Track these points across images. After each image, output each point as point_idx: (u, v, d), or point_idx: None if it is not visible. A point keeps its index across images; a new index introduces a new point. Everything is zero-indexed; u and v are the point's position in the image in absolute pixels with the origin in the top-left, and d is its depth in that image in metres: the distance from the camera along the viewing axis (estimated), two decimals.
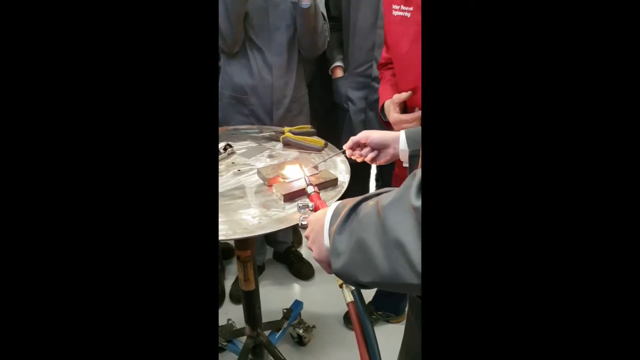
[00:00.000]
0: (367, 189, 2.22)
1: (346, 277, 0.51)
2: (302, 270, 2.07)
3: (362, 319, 0.61)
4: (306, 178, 0.95)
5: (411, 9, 1.09)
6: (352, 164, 1.29)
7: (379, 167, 2.24)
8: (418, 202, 0.38)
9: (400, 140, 0.89)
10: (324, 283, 2.04)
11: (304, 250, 2.26)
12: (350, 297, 0.63)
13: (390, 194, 0.45)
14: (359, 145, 0.97)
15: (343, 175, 1.18)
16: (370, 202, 0.49)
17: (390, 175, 2.08)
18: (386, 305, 1.78)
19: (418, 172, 0.42)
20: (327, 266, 0.60)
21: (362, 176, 2.09)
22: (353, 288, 0.63)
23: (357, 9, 1.64)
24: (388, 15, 1.20)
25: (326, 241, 0.57)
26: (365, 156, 0.96)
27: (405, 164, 0.90)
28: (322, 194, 1.09)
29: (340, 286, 0.64)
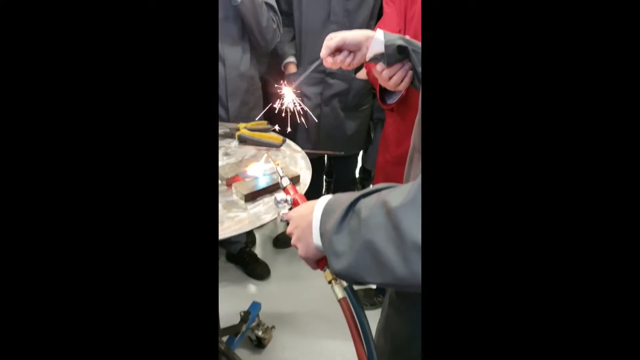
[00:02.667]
0: (320, 186, 2.22)
1: (349, 278, 0.50)
2: (257, 270, 2.02)
3: (357, 315, 0.59)
4: (279, 170, 0.90)
5: None
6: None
7: (329, 161, 2.24)
8: None
9: (376, 34, 0.89)
10: (281, 281, 2.00)
11: (257, 250, 2.21)
12: (342, 294, 0.60)
13: (397, 193, 0.44)
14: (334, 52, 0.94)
15: (304, 172, 1.16)
16: (372, 201, 0.47)
17: (342, 172, 2.10)
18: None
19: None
20: (314, 264, 0.59)
21: (315, 172, 2.09)
22: (346, 284, 0.60)
23: (308, 5, 1.61)
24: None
25: (316, 240, 0.54)
26: (344, 61, 0.93)
27: (370, 54, 0.89)
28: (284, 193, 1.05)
29: (330, 282, 0.61)
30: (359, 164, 2.33)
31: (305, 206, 0.60)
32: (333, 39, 0.90)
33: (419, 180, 0.41)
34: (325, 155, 2.03)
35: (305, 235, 0.56)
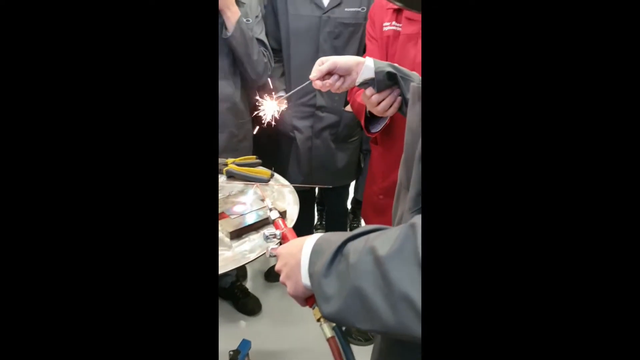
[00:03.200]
0: (312, 216, 2.20)
1: (340, 322, 0.51)
2: (248, 306, 1.97)
3: (345, 354, 0.59)
4: (268, 202, 0.90)
5: (401, 24, 1.23)
6: (300, 192, 1.27)
7: (320, 193, 2.24)
8: None
9: (366, 61, 0.91)
10: (272, 317, 1.95)
11: (249, 284, 2.16)
12: (330, 333, 0.60)
13: (385, 240, 0.44)
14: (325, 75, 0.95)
15: (292, 207, 1.15)
16: (359, 244, 0.48)
17: (334, 203, 2.09)
18: None
19: (417, 220, 0.42)
20: (303, 301, 0.60)
21: (307, 203, 2.08)
22: (334, 324, 0.60)
23: (296, 42, 1.65)
24: (379, 32, 1.28)
25: (304, 279, 0.55)
26: (333, 85, 0.94)
27: (360, 80, 0.91)
28: (271, 229, 1.04)
29: (318, 320, 0.61)
30: (351, 195, 2.33)
31: (294, 244, 0.61)
32: (324, 62, 0.92)
33: (405, 227, 0.42)
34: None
35: (294, 274, 0.57)
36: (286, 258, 0.60)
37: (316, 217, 2.58)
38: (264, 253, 0.79)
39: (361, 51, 1.71)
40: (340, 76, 0.93)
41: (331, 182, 1.85)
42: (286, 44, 1.69)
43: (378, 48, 1.31)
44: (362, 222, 2.57)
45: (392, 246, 0.42)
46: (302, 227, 2.11)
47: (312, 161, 1.79)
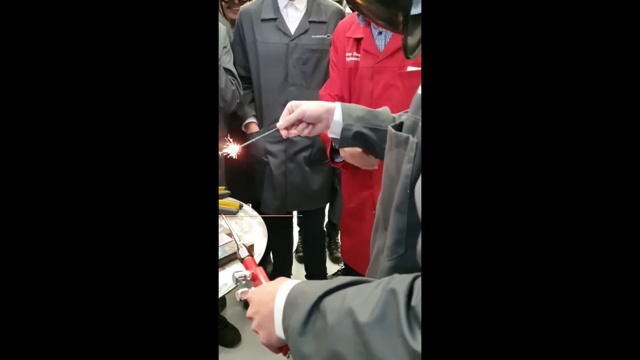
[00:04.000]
0: (290, 247, 2.17)
1: None
2: (226, 337, 1.93)
3: None
4: (236, 238, 0.85)
5: (359, 55, 1.23)
6: (272, 223, 1.25)
7: (299, 218, 2.21)
8: (415, 343, 0.37)
9: (335, 112, 0.86)
10: (252, 348, 1.90)
11: (227, 313, 2.12)
12: None
13: (363, 302, 0.43)
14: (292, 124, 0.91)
15: (260, 239, 1.14)
16: (336, 302, 0.47)
17: (310, 227, 2.07)
18: None
19: (397, 287, 0.42)
20: (277, 349, 0.58)
21: (285, 227, 2.06)
22: None
23: (265, 69, 1.67)
24: (342, 61, 1.28)
25: (278, 331, 0.54)
26: (302, 132, 0.91)
27: (333, 135, 0.88)
28: (237, 265, 1.03)
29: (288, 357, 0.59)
30: (327, 218, 2.33)
31: (267, 290, 0.58)
32: (292, 111, 0.89)
33: (386, 292, 0.42)
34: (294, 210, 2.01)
35: (267, 324, 0.55)
36: (258, 306, 0.58)
37: (297, 240, 2.56)
38: (231, 290, 0.77)
39: (328, 76, 1.74)
40: (309, 124, 0.90)
41: (307, 206, 1.85)
42: (255, 70, 1.70)
43: (340, 78, 1.32)
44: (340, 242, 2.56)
45: (372, 312, 0.42)
46: (280, 252, 2.09)
47: (287, 185, 1.79)
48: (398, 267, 0.53)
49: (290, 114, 0.87)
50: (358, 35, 1.23)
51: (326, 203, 2.03)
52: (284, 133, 0.91)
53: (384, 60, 1.17)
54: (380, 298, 0.42)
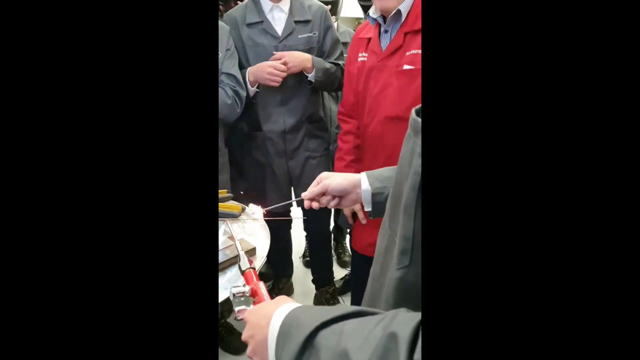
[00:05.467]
0: (290, 248, 2.13)
1: None
2: (233, 344, 1.89)
3: None
4: (238, 247, 0.80)
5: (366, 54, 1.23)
6: (273, 226, 1.23)
7: (305, 221, 2.18)
8: None
9: (362, 181, 0.82)
10: None
11: (233, 319, 2.09)
12: None
13: (361, 346, 0.38)
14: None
15: (263, 242, 1.11)
16: (332, 340, 0.41)
17: (316, 229, 2.04)
18: None
19: (398, 330, 0.36)
20: None
21: (286, 235, 2.03)
22: None
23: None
24: (354, 62, 1.28)
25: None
26: (328, 204, 0.86)
27: (368, 207, 0.82)
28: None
29: None
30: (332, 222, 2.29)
31: (263, 312, 0.53)
32: (319, 184, 0.84)
33: (385, 337, 0.37)
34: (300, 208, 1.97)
35: (261, 351, 0.51)
36: (253, 329, 0.54)
37: (303, 245, 2.53)
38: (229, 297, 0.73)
39: None
40: (335, 197, 0.85)
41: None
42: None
43: (349, 82, 1.33)
44: (348, 244, 2.52)
45: (372, 357, 0.36)
46: (279, 253, 2.05)
47: (290, 182, 1.78)
48: (404, 281, 0.48)
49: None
50: (369, 35, 1.23)
51: None
52: (307, 204, 0.87)
53: (384, 59, 1.16)
54: (379, 343, 0.37)
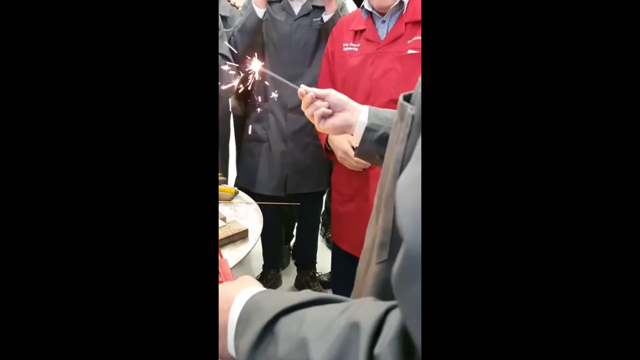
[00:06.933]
0: (280, 239, 2.11)
1: None
2: None
3: None
4: None
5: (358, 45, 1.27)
6: (265, 212, 1.25)
7: (298, 217, 2.17)
8: None
9: (362, 112, 0.77)
10: None
11: None
12: None
13: (322, 335, 0.35)
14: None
15: (255, 225, 1.14)
16: (293, 327, 0.38)
17: (308, 215, 2.05)
18: None
19: (361, 319, 0.34)
20: None
21: (277, 226, 2.00)
22: None
23: (272, 47, 1.71)
24: (338, 51, 1.32)
25: (230, 349, 0.46)
26: (318, 109, 0.78)
27: (356, 142, 0.79)
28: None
29: None
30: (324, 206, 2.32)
31: (225, 296, 0.49)
32: (322, 90, 0.80)
33: (347, 327, 0.34)
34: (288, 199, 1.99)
35: (221, 336, 0.47)
36: None
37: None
38: None
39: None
40: (328, 109, 0.79)
41: (307, 188, 1.80)
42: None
43: (329, 67, 1.37)
44: None
45: (328, 351, 0.34)
46: (270, 242, 2.03)
47: (286, 165, 1.75)
48: (381, 276, 0.44)
49: None
50: (360, 27, 1.27)
51: (327, 187, 1.95)
52: (301, 91, 0.80)
53: (384, 46, 1.21)
54: (340, 334, 0.34)
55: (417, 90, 0.45)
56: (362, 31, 1.26)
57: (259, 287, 0.49)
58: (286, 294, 0.44)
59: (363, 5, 1.25)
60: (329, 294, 0.42)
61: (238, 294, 0.47)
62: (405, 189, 0.31)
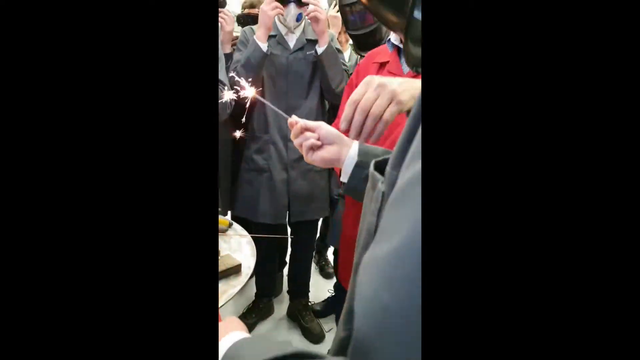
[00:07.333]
0: (274, 269, 2.10)
1: None
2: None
3: None
4: None
5: None
6: (262, 242, 1.26)
7: (292, 245, 2.18)
8: None
9: (352, 146, 0.77)
10: None
11: None
12: None
13: None
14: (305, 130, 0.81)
15: (248, 259, 1.15)
16: None
17: (303, 242, 2.04)
18: None
19: None
20: None
21: (271, 255, 2.01)
22: None
23: (269, 79, 1.75)
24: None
25: None
26: (307, 140, 0.79)
27: (344, 178, 0.79)
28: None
29: None
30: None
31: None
32: (313, 122, 0.81)
33: None
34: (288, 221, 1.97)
35: None
36: None
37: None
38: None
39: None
40: (319, 140, 0.79)
41: (309, 215, 1.82)
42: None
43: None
44: (330, 257, 2.55)
45: None
46: (265, 272, 2.01)
47: (288, 193, 1.77)
48: (343, 346, 0.42)
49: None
50: (384, 60, 1.29)
51: (327, 212, 1.96)
52: (291, 122, 0.82)
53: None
54: None
55: (395, 151, 0.41)
56: (385, 63, 1.28)
57: (242, 333, 0.49)
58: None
59: (390, 39, 1.28)
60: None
61: (221, 339, 0.47)
62: (365, 270, 0.30)
